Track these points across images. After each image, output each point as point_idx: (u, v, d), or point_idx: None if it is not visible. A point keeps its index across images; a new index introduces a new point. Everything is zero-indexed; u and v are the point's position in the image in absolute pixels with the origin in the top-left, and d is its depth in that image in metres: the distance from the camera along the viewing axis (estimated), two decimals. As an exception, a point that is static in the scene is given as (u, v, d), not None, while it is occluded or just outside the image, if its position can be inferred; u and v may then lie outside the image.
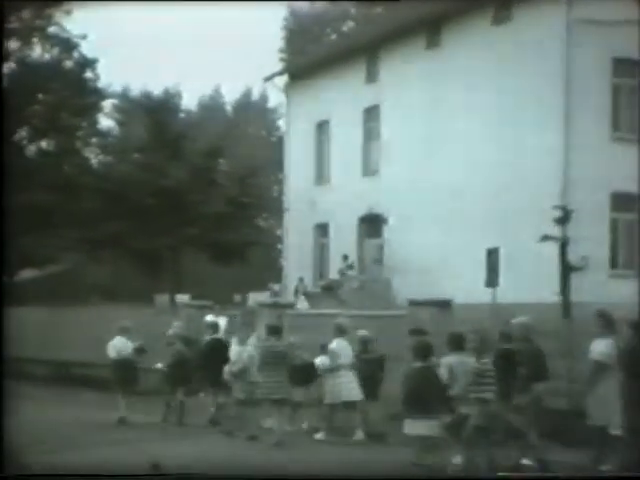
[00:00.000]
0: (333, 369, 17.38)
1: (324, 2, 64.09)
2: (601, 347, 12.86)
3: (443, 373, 13.27)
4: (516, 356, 13.62)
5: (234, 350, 18.36)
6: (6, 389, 14.50)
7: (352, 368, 17.51)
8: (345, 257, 36.81)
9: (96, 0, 47.75)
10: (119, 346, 20.49)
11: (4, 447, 11.74)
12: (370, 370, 17.29)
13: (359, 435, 17.31)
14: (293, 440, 16.84)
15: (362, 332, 18.14)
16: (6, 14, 37.81)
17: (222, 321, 22.79)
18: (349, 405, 17.47)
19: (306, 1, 64.74)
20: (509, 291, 23.70)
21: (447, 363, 13.39)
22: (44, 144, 50.16)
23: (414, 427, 13.03)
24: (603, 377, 12.85)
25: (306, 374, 17.80)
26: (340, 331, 17.73)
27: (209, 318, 22.70)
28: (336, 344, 17.55)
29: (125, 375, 20.32)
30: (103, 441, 16.93)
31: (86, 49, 49.52)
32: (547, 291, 23.32)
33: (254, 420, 17.75)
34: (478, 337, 13.61)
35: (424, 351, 13.30)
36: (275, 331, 17.56)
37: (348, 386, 17.39)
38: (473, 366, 13.22)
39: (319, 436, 17.50)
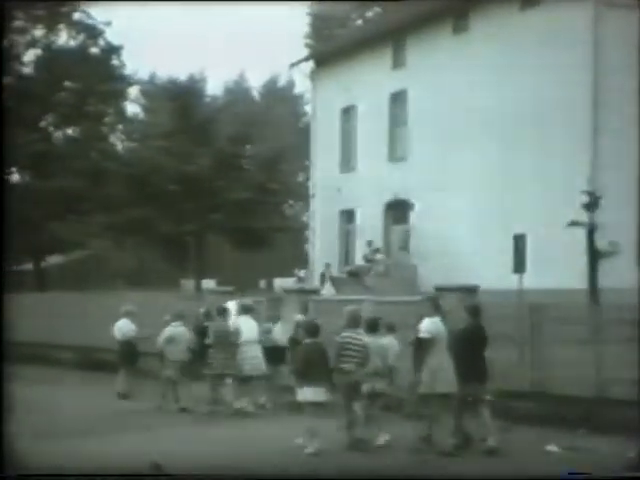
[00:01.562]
0: (239, 344, 18.79)
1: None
2: (426, 326, 14.42)
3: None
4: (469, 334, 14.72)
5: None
6: (6, 390, 14.45)
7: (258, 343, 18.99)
8: (369, 242, 36.67)
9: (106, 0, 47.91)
10: (124, 328, 21.71)
11: (4, 447, 11.70)
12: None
13: (241, 404, 18.57)
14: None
15: (299, 317, 19.21)
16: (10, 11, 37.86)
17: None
18: (252, 379, 18.85)
19: (319, 0, 64.31)
20: (536, 277, 23.52)
21: (337, 339, 14.88)
22: (70, 131, 50.34)
23: (304, 394, 14.54)
24: (431, 351, 14.28)
25: (275, 355, 19.18)
26: (244, 309, 19.45)
27: (229, 304, 22.67)
28: (241, 321, 19.12)
29: (127, 355, 21.51)
30: (122, 427, 16.87)
31: (112, 36, 49.69)
32: (575, 277, 23.13)
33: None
34: (348, 315, 14.99)
35: (313, 329, 14.91)
36: (222, 312, 19.27)
37: (251, 361, 18.65)
38: (339, 340, 14.72)
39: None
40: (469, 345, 14.39)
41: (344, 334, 14.78)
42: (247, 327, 19.06)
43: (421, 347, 14.57)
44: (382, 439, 14.64)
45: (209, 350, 18.93)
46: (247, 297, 23.72)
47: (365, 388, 14.83)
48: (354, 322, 14.95)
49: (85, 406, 19.97)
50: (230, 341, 18.66)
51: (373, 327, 15.32)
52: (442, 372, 14.19)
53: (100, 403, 20.35)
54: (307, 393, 14.50)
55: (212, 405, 18.70)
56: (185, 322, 20.10)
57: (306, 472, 12.70)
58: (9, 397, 14.22)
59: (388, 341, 15.44)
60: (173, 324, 19.66)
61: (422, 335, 14.48)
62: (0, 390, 14.18)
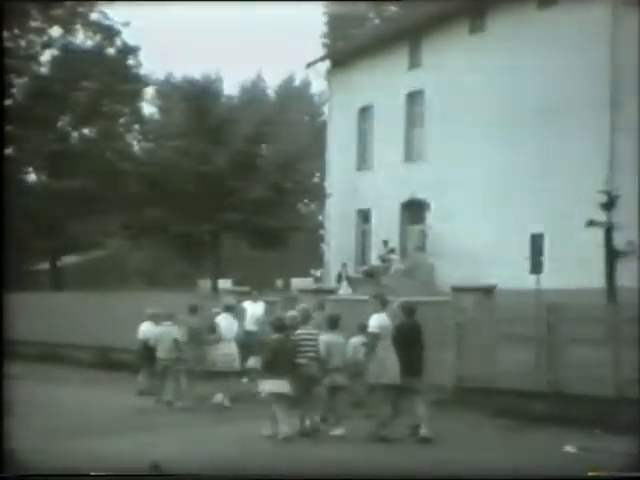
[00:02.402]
0: (216, 340, 19.52)
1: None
2: (374, 321, 15.67)
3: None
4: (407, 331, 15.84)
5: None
6: (6, 389, 14.48)
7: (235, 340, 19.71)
8: (385, 242, 36.60)
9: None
10: (145, 331, 22.23)
11: (4, 447, 11.70)
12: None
13: (218, 399, 19.22)
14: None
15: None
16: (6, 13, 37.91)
17: (259, 307, 22.84)
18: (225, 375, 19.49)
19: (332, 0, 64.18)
20: (554, 277, 23.42)
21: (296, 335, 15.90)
22: (87, 130, 50.42)
23: (266, 385, 15.48)
24: (379, 344, 15.46)
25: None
26: (225, 308, 20.08)
27: (245, 304, 22.92)
28: (220, 318, 19.77)
29: (147, 356, 21.65)
30: (137, 426, 16.88)
31: (129, 36, 49.76)
32: (592, 277, 23.02)
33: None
34: (300, 313, 16.24)
35: (280, 325, 15.84)
36: (193, 310, 20.28)
37: (224, 358, 19.23)
38: (295, 337, 15.78)
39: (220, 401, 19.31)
40: (403, 341, 15.52)
41: (299, 331, 15.85)
42: (225, 325, 19.71)
43: (371, 341, 15.78)
44: (338, 431, 15.61)
45: (183, 346, 19.93)
46: (263, 297, 23.82)
47: (326, 382, 15.97)
48: (306, 319, 16.14)
49: (99, 406, 20.01)
50: (202, 338, 19.50)
51: (334, 324, 16.37)
52: (388, 364, 15.41)
53: (116, 403, 20.39)
54: (270, 385, 15.41)
55: (187, 400, 19.38)
56: (175, 321, 20.52)
57: (307, 472, 12.69)
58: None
59: (356, 340, 16.60)
60: (164, 323, 20.45)
61: (371, 330, 15.73)
62: (0, 390, 14.20)
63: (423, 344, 15.77)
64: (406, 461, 13.49)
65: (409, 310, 15.94)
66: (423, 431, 15.05)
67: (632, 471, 12.20)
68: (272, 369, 15.44)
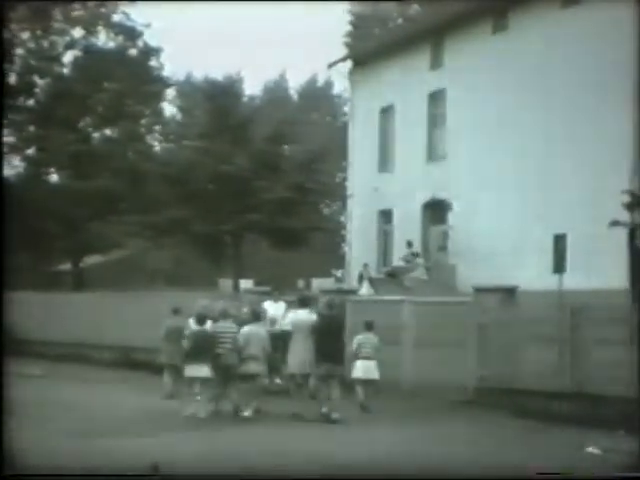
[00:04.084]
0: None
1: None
2: (289, 318, 18.91)
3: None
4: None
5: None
6: (6, 388, 14.45)
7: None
8: (409, 243, 36.39)
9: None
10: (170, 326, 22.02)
11: (4, 447, 11.67)
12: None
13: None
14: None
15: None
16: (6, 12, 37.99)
17: (279, 307, 22.76)
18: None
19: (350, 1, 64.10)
20: (577, 277, 23.21)
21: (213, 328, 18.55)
22: (109, 131, 50.59)
23: (190, 371, 18.26)
24: (293, 338, 18.26)
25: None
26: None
27: (266, 305, 22.85)
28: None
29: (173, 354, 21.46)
30: (160, 427, 16.85)
31: (150, 37, 49.92)
32: (615, 277, 22.85)
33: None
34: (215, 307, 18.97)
35: (202, 319, 18.48)
36: (176, 311, 22.09)
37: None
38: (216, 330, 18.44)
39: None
40: (321, 333, 17.94)
41: (218, 324, 18.49)
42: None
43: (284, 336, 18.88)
44: (247, 412, 17.96)
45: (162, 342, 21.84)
46: (284, 296, 23.79)
47: (241, 370, 18.16)
48: (224, 315, 18.73)
49: (120, 406, 20.01)
50: (178, 337, 20.10)
51: (257, 317, 19.16)
52: (300, 355, 18.11)
53: (136, 403, 20.38)
54: (193, 370, 18.17)
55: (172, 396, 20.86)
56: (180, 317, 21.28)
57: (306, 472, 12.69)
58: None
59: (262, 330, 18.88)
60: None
61: (284, 327, 19.20)
62: (1, 391, 14.20)
63: (341, 335, 18.30)
64: (421, 461, 13.41)
65: (329, 306, 18.47)
66: (333, 415, 17.38)
67: (632, 471, 12.14)
68: (194, 357, 18.18)
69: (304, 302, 18.85)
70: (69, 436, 15.03)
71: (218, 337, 18.17)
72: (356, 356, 19.44)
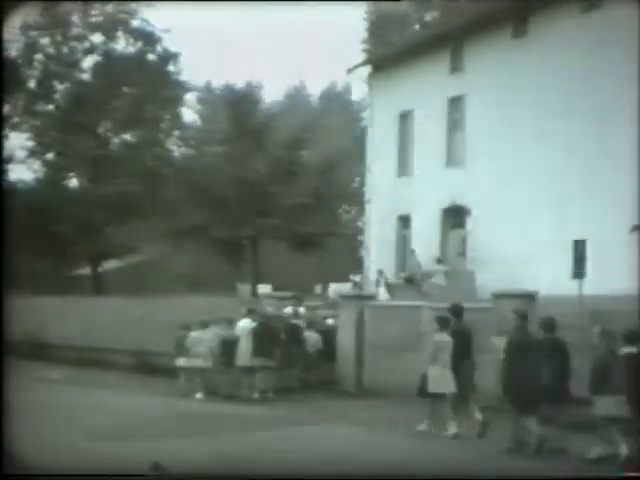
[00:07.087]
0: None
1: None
2: (240, 324, 23.58)
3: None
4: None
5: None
6: (6, 388, 14.48)
7: None
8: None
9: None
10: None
11: (4, 447, 11.69)
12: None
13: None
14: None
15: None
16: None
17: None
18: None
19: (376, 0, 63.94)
20: (597, 283, 23.08)
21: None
22: (128, 136, 50.73)
23: (183, 362, 23.65)
24: (243, 337, 23.10)
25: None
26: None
27: (287, 310, 23.11)
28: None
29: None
30: (174, 431, 16.89)
31: (169, 43, 50.06)
32: (635, 282, 22.70)
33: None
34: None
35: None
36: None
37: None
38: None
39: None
40: (261, 335, 22.49)
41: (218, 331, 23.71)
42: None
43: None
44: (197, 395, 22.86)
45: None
46: (305, 301, 23.98)
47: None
48: (203, 325, 23.91)
49: (138, 409, 20.07)
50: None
51: (204, 324, 23.87)
52: (247, 356, 22.68)
53: (155, 406, 20.44)
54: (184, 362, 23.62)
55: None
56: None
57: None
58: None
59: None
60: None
61: (236, 334, 23.21)
62: (1, 391, 14.23)
63: (278, 336, 22.86)
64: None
65: (261, 315, 23.35)
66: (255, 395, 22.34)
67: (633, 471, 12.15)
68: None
69: (251, 313, 24.09)
70: (80, 439, 15.07)
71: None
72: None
